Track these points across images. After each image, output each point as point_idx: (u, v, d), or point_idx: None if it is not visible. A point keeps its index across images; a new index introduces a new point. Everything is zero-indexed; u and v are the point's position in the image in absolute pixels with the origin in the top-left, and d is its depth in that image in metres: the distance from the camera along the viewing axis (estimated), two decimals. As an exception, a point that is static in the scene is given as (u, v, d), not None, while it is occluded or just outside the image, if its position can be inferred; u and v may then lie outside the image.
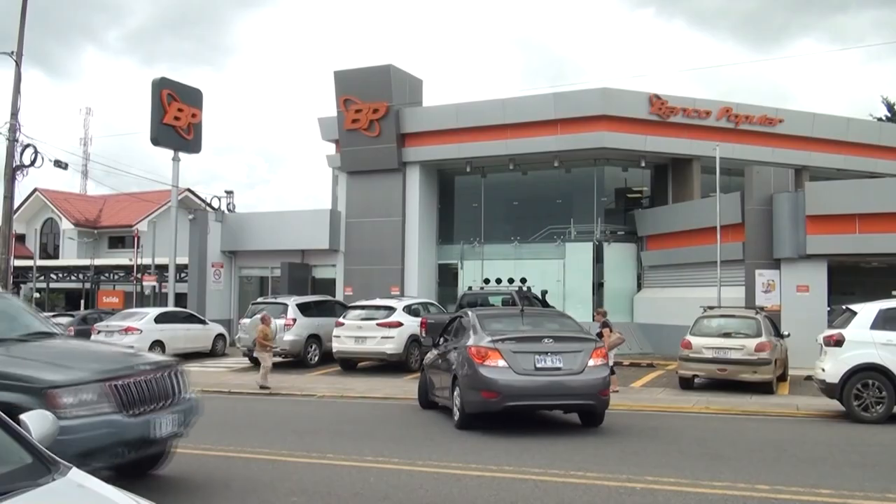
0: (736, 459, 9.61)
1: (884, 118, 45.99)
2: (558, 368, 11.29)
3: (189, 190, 44.30)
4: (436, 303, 25.76)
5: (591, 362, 11.44)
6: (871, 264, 21.95)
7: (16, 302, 9.41)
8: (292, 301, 23.48)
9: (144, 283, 35.55)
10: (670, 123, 27.20)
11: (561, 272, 28.42)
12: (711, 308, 19.14)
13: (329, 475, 8.62)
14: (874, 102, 73.54)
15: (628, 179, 30.29)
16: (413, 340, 21.03)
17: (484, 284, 24.28)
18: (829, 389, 13.27)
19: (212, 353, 26.22)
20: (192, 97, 30.77)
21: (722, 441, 11.22)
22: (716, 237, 22.12)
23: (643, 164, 28.55)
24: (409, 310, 22.21)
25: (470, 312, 13.06)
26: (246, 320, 23.20)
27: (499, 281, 23.81)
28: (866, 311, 13.42)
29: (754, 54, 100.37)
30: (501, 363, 11.17)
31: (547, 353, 11.33)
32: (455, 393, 11.85)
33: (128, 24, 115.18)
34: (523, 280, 23.74)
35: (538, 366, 11.23)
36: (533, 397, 11.32)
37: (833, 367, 13.14)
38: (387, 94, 28.79)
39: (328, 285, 30.46)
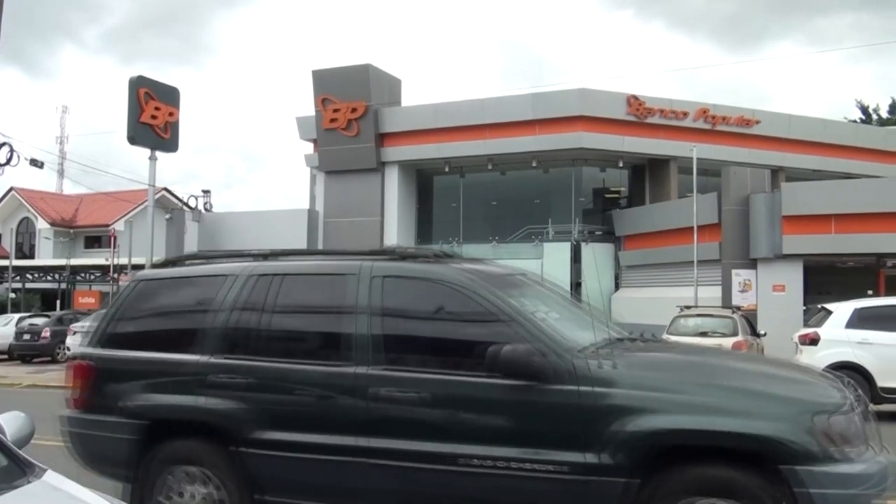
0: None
1: (858, 121, 46.51)
2: None
3: (166, 189, 43.93)
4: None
5: None
6: (847, 264, 22.17)
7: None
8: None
9: (121, 284, 35.19)
10: (648, 124, 27.33)
11: (539, 272, 28.30)
12: (688, 307, 19.21)
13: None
14: (850, 105, 74.30)
15: (606, 180, 30.43)
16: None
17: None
18: None
19: (188, 354, 26.02)
20: (169, 96, 30.55)
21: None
22: (693, 237, 22.24)
23: (621, 165, 28.69)
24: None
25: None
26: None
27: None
28: (842, 310, 13.55)
29: (733, 56, 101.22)
30: None
31: None
32: None
33: (107, 23, 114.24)
34: (502, 280, 23.79)
35: None
36: None
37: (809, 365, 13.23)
38: (365, 94, 28.73)
39: (307, 286, 30.30)
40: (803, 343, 13.50)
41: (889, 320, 13.02)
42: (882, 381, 12.65)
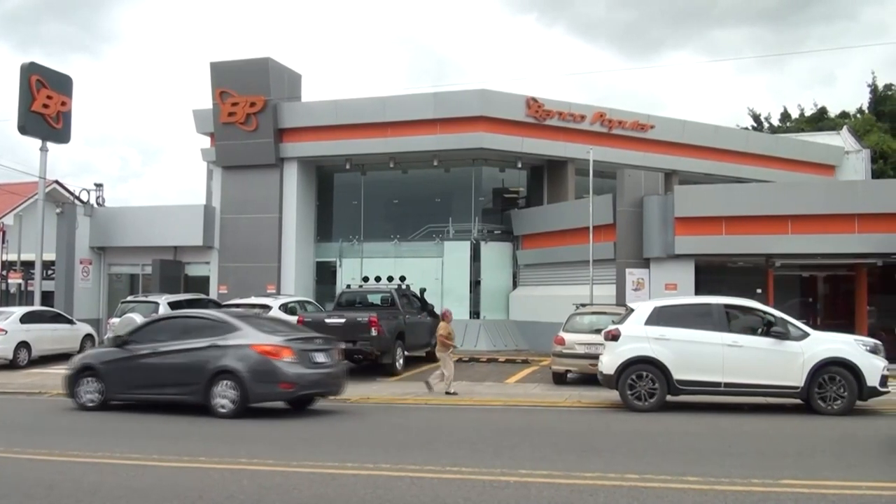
0: (607, 451, 9.87)
1: (749, 128, 48.22)
2: (325, 363, 13.71)
3: (57, 182, 42.32)
4: (313, 301, 25.50)
5: (337, 357, 14.27)
6: (738, 264, 22.90)
7: None
8: (164, 299, 22.80)
9: (10, 281, 33.87)
10: (546, 126, 27.74)
11: (439, 270, 28.58)
12: (584, 305, 19.66)
13: (202, 478, 8.39)
14: (742, 114, 77.01)
15: (505, 180, 30.72)
16: (290, 339, 20.73)
17: (363, 282, 24.15)
18: (607, 380, 14.24)
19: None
20: (61, 84, 29.57)
21: (593, 433, 11.52)
22: (588, 237, 22.66)
23: (520, 165, 29.00)
24: (286, 308, 21.90)
25: (218, 313, 14.98)
26: (115, 320, 22.36)
27: (378, 279, 23.71)
28: (642, 308, 14.58)
29: (630, 63, 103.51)
30: (294, 359, 13.11)
31: (319, 350, 13.76)
32: (224, 386, 13.07)
33: (4, 6, 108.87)
34: (402, 278, 23.74)
35: (315, 361, 13.51)
36: (314, 386, 13.60)
37: (610, 359, 14.12)
38: (264, 88, 28.28)
39: (202, 283, 29.69)
40: (606, 339, 14.44)
41: (685, 318, 14.13)
42: (678, 374, 13.76)
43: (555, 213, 27.29)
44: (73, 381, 14.60)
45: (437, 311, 24.12)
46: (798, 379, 13.27)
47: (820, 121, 46.77)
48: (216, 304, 23.83)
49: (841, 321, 22.38)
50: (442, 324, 17.04)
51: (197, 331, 13.90)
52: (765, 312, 14.31)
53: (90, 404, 14.28)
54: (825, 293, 25.10)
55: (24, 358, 22.85)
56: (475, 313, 28.25)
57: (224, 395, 13.01)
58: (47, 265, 30.64)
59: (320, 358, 13.64)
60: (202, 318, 14.53)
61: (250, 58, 28.98)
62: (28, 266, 32.28)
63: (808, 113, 49.35)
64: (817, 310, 24.35)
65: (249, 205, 28.87)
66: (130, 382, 14.06)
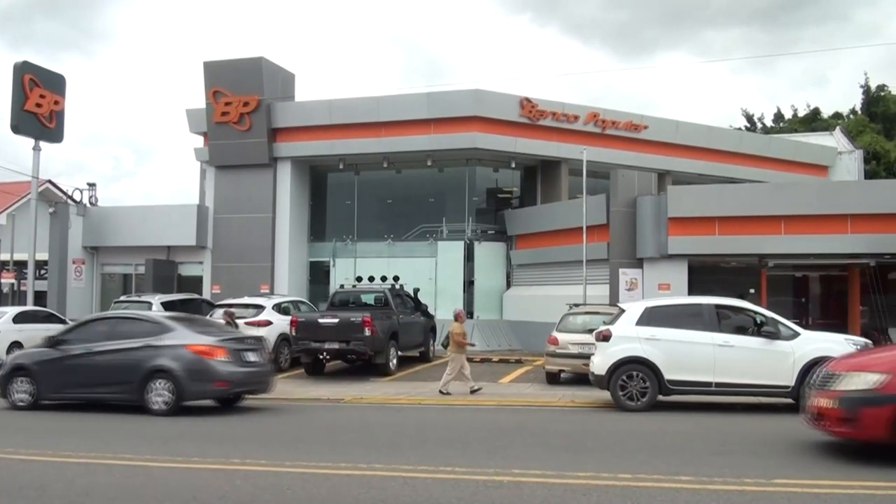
0: (600, 451, 9.88)
1: (743, 129, 48.32)
2: (255, 362, 14.30)
3: (50, 181, 42.20)
4: (307, 301, 25.47)
5: (266, 357, 14.90)
6: (731, 264, 22.96)
7: None
8: (157, 299, 22.74)
9: (3, 281, 33.73)
10: (540, 126, 27.76)
11: (433, 270, 28.58)
12: (577, 305, 19.66)
13: (194, 479, 8.38)
14: (736, 114, 77.13)
15: (499, 180, 30.74)
16: (283, 339, 20.74)
17: (356, 282, 24.12)
18: (598, 381, 14.25)
19: (71, 354, 25.02)
20: (54, 83, 29.46)
21: (586, 433, 11.53)
22: (582, 237, 22.66)
23: (513, 166, 29.03)
24: (279, 308, 21.88)
25: (152, 314, 15.77)
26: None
27: (371, 279, 23.69)
28: (633, 308, 14.62)
29: (624, 63, 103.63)
30: (228, 358, 13.63)
31: (249, 349, 14.29)
32: (159, 385, 13.36)
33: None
34: (396, 278, 23.72)
35: (246, 360, 14.02)
36: (246, 384, 14.19)
37: (601, 360, 14.14)
38: (258, 88, 28.25)
39: (195, 283, 29.66)
40: (597, 340, 14.47)
41: (676, 318, 14.16)
42: (669, 374, 13.78)
43: (548, 213, 27.32)
44: (4, 381, 14.67)
45: (431, 311, 24.22)
46: (789, 378, 13.30)
47: (813, 121, 46.87)
48: (210, 305, 23.82)
49: (834, 321, 22.47)
50: (455, 324, 17.06)
51: (131, 331, 14.18)
52: (755, 312, 14.36)
53: (20, 404, 14.37)
54: (818, 293, 25.19)
55: (16, 358, 22.77)
56: (469, 313, 28.22)
57: (159, 394, 13.35)
58: (40, 265, 30.55)
59: (251, 357, 14.16)
60: (136, 319, 14.89)
61: (244, 57, 28.97)
62: (21, 266, 32.16)
63: (801, 114, 49.48)
64: (810, 310, 24.44)
65: (243, 204, 28.85)
66: (64, 382, 14.25)
